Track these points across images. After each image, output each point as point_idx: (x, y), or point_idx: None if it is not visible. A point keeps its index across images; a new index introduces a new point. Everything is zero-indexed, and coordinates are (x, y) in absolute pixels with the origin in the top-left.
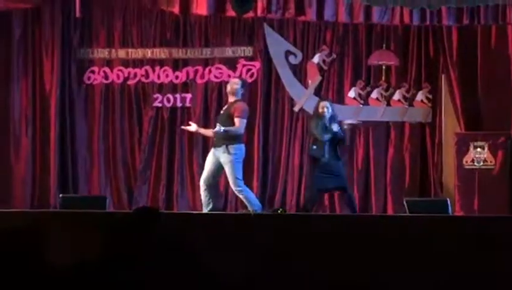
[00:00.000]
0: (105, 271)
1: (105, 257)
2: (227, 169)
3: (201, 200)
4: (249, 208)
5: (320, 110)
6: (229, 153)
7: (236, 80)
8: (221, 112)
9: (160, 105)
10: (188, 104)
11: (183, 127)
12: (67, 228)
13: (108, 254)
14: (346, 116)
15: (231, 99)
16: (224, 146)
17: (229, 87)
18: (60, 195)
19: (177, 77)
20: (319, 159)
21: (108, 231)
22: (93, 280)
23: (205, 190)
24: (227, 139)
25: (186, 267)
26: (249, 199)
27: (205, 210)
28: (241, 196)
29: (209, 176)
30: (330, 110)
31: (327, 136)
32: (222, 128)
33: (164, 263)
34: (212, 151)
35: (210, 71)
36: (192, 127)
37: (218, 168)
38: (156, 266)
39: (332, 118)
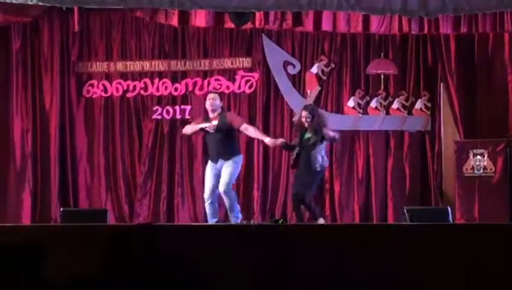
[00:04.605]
0: (106, 285)
1: (106, 271)
2: None
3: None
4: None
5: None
6: None
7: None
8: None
9: (159, 117)
10: (187, 116)
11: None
12: (68, 242)
13: (109, 268)
14: (346, 125)
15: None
16: None
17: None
18: (61, 209)
19: (176, 89)
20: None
21: (109, 244)
22: None
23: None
24: None
25: (186, 280)
26: None
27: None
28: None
29: None
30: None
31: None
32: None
33: (164, 276)
34: None
35: (209, 83)
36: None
37: None
38: (156, 279)
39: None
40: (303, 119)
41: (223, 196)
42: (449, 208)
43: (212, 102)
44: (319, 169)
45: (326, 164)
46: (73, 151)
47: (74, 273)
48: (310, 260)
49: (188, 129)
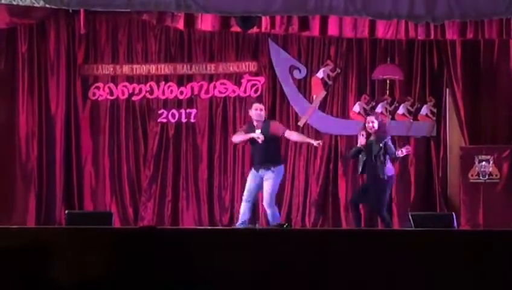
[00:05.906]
0: (110, 287)
1: (110, 273)
2: None
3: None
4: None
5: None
6: None
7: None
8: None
9: (165, 121)
10: (192, 120)
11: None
12: (73, 244)
13: (113, 271)
14: (351, 130)
15: None
16: None
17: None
18: (66, 211)
19: (181, 93)
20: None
21: (114, 247)
22: None
23: None
24: None
25: (190, 283)
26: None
27: None
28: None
29: None
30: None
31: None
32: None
33: (168, 279)
34: None
35: (215, 86)
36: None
37: None
38: (159, 282)
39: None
40: (368, 124)
41: (266, 209)
42: (454, 214)
43: (259, 112)
44: (384, 177)
45: (391, 172)
46: (79, 153)
47: (78, 275)
48: (313, 264)
49: (238, 138)
